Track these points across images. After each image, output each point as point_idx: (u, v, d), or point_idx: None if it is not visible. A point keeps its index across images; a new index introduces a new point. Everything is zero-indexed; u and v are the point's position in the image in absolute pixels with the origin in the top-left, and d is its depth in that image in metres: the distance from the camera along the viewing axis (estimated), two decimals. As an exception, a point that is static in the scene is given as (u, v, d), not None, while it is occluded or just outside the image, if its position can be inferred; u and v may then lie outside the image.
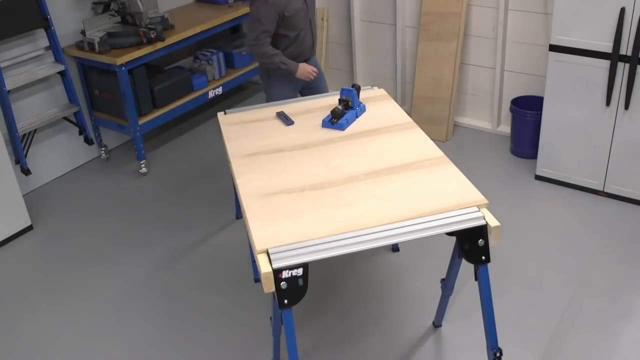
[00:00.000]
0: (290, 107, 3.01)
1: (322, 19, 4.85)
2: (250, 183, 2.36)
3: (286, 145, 2.63)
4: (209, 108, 5.04)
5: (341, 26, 4.85)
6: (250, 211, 2.18)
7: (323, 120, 2.79)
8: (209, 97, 4.60)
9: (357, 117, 2.84)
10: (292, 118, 2.87)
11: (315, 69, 3.42)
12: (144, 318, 3.00)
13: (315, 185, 2.31)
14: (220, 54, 4.70)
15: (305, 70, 3.37)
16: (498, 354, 2.28)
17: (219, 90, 4.67)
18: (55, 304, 3.13)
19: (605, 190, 3.59)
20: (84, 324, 2.99)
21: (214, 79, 4.69)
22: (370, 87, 3.19)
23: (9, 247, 3.59)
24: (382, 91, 3.12)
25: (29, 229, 3.72)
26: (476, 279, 2.21)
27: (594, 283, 2.99)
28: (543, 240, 3.31)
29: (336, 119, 2.75)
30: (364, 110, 2.90)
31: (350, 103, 2.82)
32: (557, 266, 3.12)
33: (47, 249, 3.57)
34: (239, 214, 3.61)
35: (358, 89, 2.88)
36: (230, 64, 4.83)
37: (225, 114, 3.01)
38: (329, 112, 2.81)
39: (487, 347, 2.30)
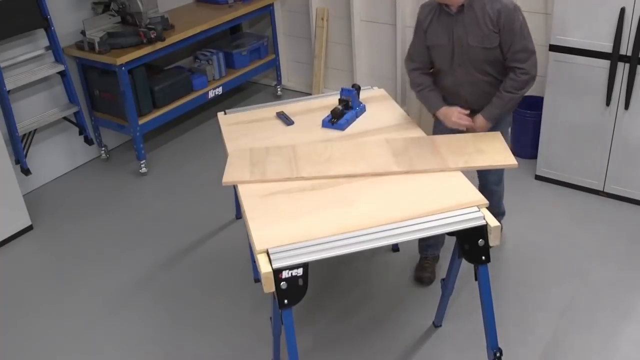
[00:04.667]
0: (290, 107, 3.01)
1: (322, 19, 4.85)
2: (250, 183, 2.36)
3: (286, 145, 2.63)
4: (209, 108, 5.04)
5: (341, 26, 4.85)
6: (250, 211, 2.18)
7: (323, 120, 2.79)
8: (209, 97, 4.60)
9: (357, 117, 2.84)
10: (292, 118, 2.87)
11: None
12: (143, 318, 3.00)
13: (315, 185, 2.31)
14: (220, 54, 4.70)
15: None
16: (498, 354, 2.28)
17: (219, 90, 4.67)
18: (55, 304, 3.13)
19: (605, 190, 3.59)
20: (84, 323, 2.99)
21: (214, 79, 4.69)
22: (370, 87, 3.19)
23: (9, 247, 3.58)
24: (382, 91, 3.12)
25: (29, 229, 3.72)
26: (476, 279, 2.21)
27: (594, 283, 2.99)
28: (543, 240, 3.31)
29: (336, 119, 2.75)
30: (364, 110, 2.90)
31: (350, 103, 2.82)
32: (557, 266, 3.12)
33: (47, 249, 3.57)
34: (239, 214, 3.61)
35: (358, 89, 2.88)
36: (230, 64, 4.83)
37: (225, 114, 3.01)
38: (329, 112, 2.81)
39: (487, 347, 2.30)
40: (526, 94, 4.11)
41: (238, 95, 5.35)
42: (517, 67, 2.63)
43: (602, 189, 3.60)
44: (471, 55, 2.65)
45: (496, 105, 2.70)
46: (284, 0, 5.09)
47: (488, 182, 2.97)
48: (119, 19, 4.15)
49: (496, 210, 3.13)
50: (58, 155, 4.25)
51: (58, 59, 3.93)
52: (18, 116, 3.81)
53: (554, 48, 3.41)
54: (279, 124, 2.85)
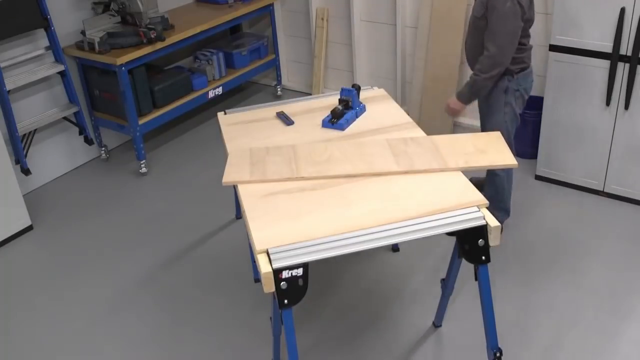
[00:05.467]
0: (290, 107, 3.01)
1: (322, 19, 4.85)
2: (250, 183, 2.36)
3: (286, 145, 2.63)
4: (209, 108, 5.04)
5: (341, 26, 4.85)
6: (250, 211, 2.17)
7: (323, 120, 2.79)
8: (209, 97, 4.60)
9: (357, 117, 2.84)
10: (292, 118, 2.87)
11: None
12: (143, 318, 3.00)
13: (315, 185, 2.31)
14: (220, 54, 4.70)
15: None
16: (498, 354, 2.28)
17: (219, 90, 4.67)
18: (55, 304, 3.13)
19: (605, 190, 3.59)
20: (84, 323, 2.99)
21: (214, 79, 4.69)
22: (370, 87, 3.19)
23: (9, 247, 3.58)
24: (382, 91, 3.12)
25: (29, 229, 3.72)
26: (476, 279, 2.21)
27: (594, 283, 2.99)
28: (543, 240, 3.31)
29: (336, 119, 2.75)
30: (364, 110, 2.90)
31: (350, 103, 2.82)
32: (557, 266, 3.12)
33: (47, 249, 3.57)
34: (239, 214, 3.61)
35: (358, 89, 2.88)
36: (230, 64, 4.83)
37: (225, 114, 3.01)
38: (329, 112, 2.81)
39: (487, 347, 2.30)
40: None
41: (238, 95, 5.36)
42: (485, 49, 2.88)
43: (602, 189, 3.60)
44: (471, 18, 3.01)
45: (466, 85, 3.02)
46: (284, 0, 5.09)
47: None
48: (119, 19, 4.15)
49: (502, 205, 3.17)
50: (58, 155, 4.25)
51: (58, 59, 3.93)
52: (18, 116, 3.81)
53: (554, 48, 3.41)
54: (278, 124, 2.85)
